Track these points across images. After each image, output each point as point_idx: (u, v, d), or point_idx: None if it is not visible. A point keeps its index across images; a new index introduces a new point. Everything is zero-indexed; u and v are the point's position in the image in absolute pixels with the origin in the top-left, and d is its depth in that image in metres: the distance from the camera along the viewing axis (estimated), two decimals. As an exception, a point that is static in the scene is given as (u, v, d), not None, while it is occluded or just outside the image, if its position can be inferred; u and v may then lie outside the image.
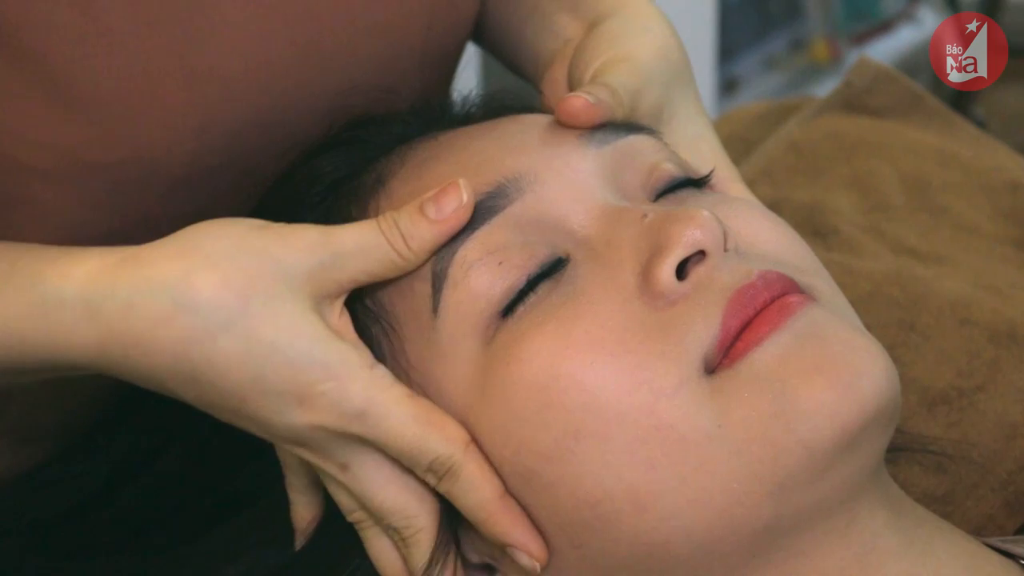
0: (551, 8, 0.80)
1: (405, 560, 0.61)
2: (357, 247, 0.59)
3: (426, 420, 0.58)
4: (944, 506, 0.76)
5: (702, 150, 0.72)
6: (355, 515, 0.61)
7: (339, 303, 0.60)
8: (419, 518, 0.59)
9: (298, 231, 0.59)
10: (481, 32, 0.84)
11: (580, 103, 0.64)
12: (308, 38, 0.69)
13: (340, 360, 0.57)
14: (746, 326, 0.57)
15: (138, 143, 0.64)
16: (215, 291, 0.56)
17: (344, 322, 0.60)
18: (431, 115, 0.71)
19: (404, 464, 0.59)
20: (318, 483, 0.63)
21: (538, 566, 0.59)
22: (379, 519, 0.60)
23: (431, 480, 0.59)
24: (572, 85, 0.72)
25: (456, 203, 0.59)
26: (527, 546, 0.58)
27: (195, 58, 0.65)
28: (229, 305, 0.56)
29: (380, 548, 0.61)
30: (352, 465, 0.59)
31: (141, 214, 0.67)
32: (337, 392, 0.57)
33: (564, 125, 0.64)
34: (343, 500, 0.61)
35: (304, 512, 0.64)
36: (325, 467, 0.59)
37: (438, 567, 0.60)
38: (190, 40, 0.65)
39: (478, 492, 0.58)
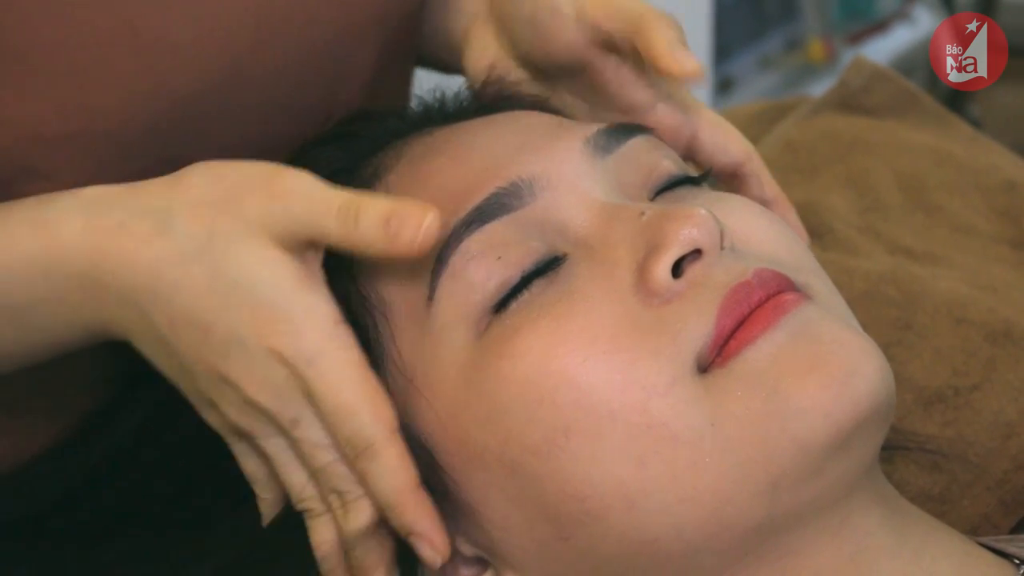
0: None
1: (340, 531, 0.61)
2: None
3: (363, 392, 0.58)
4: (939, 505, 0.76)
5: None
6: (305, 502, 0.61)
7: (312, 255, 0.60)
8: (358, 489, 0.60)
9: (283, 175, 0.60)
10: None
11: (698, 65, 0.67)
12: (262, 3, 0.69)
13: (304, 310, 0.58)
14: (740, 324, 0.56)
15: (92, 114, 0.65)
16: (187, 221, 0.59)
17: (316, 274, 0.60)
18: (426, 111, 0.72)
19: (327, 428, 0.59)
20: (276, 477, 0.62)
21: (439, 559, 0.59)
22: (326, 481, 0.60)
23: (348, 453, 0.59)
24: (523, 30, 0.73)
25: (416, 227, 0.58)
26: (432, 539, 0.59)
27: (144, 26, 0.65)
28: (198, 236, 0.58)
29: (322, 533, 0.61)
30: (302, 421, 0.59)
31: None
32: (294, 335, 0.58)
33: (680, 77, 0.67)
34: (295, 481, 0.61)
35: (268, 507, 0.64)
36: (279, 419, 0.59)
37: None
38: (139, 9, 0.65)
39: (393, 479, 0.58)
